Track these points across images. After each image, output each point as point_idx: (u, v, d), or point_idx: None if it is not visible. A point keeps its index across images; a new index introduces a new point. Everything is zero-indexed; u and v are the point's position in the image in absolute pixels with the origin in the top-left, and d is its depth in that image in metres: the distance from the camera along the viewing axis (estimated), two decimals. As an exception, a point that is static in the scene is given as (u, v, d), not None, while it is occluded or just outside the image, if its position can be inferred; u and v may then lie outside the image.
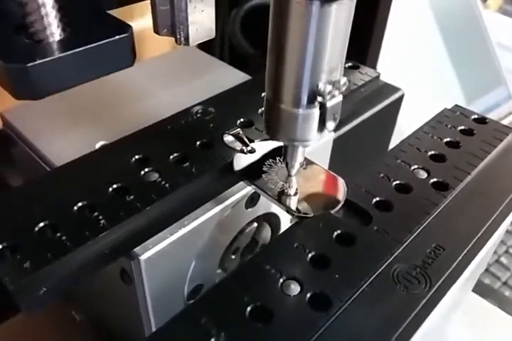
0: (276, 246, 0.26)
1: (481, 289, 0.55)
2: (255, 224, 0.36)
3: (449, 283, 0.25)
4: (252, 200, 0.34)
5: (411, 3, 1.02)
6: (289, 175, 0.29)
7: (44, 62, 0.19)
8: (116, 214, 0.26)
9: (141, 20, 0.47)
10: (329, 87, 0.23)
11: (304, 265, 0.25)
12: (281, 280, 0.24)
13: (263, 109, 0.26)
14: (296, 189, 0.29)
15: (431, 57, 1.07)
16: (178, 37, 0.27)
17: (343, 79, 0.24)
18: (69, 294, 0.44)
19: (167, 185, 0.28)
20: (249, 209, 0.34)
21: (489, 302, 0.53)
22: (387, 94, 0.49)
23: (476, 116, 0.36)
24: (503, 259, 0.72)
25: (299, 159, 0.28)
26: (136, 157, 0.30)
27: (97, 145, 0.34)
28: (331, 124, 0.25)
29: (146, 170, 0.29)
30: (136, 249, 0.28)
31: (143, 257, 0.28)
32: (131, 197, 0.27)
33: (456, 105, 0.38)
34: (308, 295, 0.23)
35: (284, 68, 0.23)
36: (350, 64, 0.42)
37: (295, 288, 0.24)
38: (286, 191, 0.29)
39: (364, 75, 0.41)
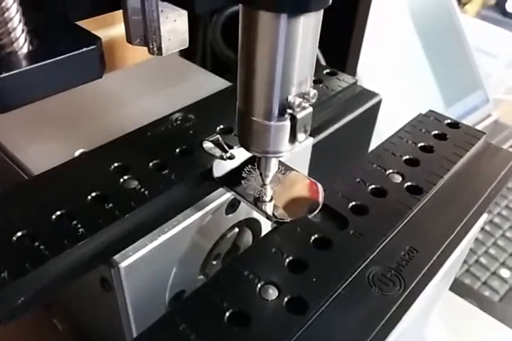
0: (254, 252, 0.26)
1: (460, 289, 0.56)
2: (236, 230, 0.37)
3: (423, 284, 0.26)
4: (232, 206, 0.34)
5: (389, 8, 1.03)
6: (264, 184, 0.29)
7: (11, 74, 0.19)
8: (95, 222, 0.26)
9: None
10: (299, 100, 0.24)
11: (281, 269, 0.25)
12: (259, 285, 0.24)
13: (236, 119, 0.26)
14: (272, 196, 0.30)
15: (409, 62, 1.09)
16: (151, 47, 0.27)
17: (313, 91, 0.24)
18: (50, 302, 0.44)
19: (146, 192, 0.29)
20: (230, 215, 0.35)
21: (469, 302, 0.54)
22: (365, 99, 0.50)
23: (449, 121, 0.37)
24: (483, 259, 0.73)
25: (273, 169, 0.28)
26: (115, 164, 0.30)
27: (77, 154, 0.34)
28: (301, 136, 0.25)
29: (126, 177, 0.30)
30: (116, 257, 0.28)
31: (123, 265, 0.28)
32: (110, 204, 0.28)
33: (431, 110, 0.38)
34: (286, 299, 0.24)
35: (254, 81, 0.24)
36: (328, 70, 0.43)
37: (273, 293, 0.24)
38: (262, 198, 0.30)
39: (341, 81, 0.42)
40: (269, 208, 0.29)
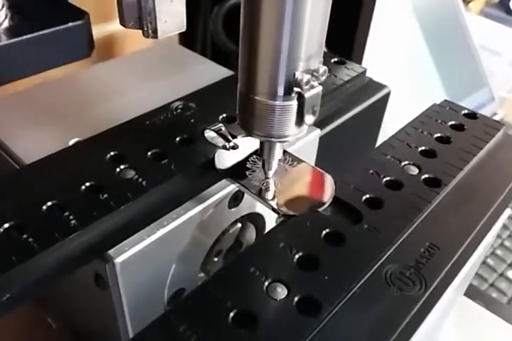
0: (261, 247, 0.24)
1: (468, 291, 0.54)
2: (239, 225, 0.34)
3: (446, 283, 0.24)
4: (236, 199, 0.32)
5: (393, 6, 1.02)
6: (266, 177, 0.27)
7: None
8: (88, 214, 0.24)
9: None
10: (307, 77, 0.22)
11: (290, 266, 0.23)
12: (266, 283, 0.22)
13: (237, 100, 0.24)
14: (277, 188, 0.28)
15: (414, 60, 1.07)
16: (146, 29, 0.25)
17: (323, 68, 0.22)
18: (45, 300, 0.42)
19: (144, 182, 0.27)
20: (233, 209, 0.33)
21: (477, 303, 0.52)
22: (374, 91, 0.48)
23: (466, 111, 0.35)
24: (490, 261, 0.71)
25: (277, 156, 0.26)
26: (112, 153, 0.28)
27: (71, 143, 0.32)
28: (309, 118, 0.23)
29: (122, 167, 0.27)
30: (111, 252, 0.26)
31: (118, 260, 0.26)
32: (105, 195, 0.25)
33: (446, 100, 0.36)
34: (296, 298, 0.22)
35: (257, 55, 0.21)
36: (336, 59, 0.41)
37: (281, 292, 0.22)
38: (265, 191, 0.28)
39: (350, 70, 0.40)
40: (274, 201, 0.27)
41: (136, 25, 0.26)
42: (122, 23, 0.25)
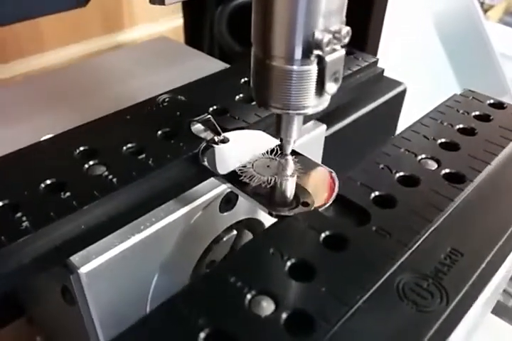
0: (246, 253, 0.20)
1: (494, 307, 0.49)
2: (234, 232, 0.30)
3: (472, 296, 0.19)
4: (229, 202, 0.28)
5: (412, 16, 0.99)
6: (284, 154, 0.23)
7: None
8: (44, 215, 0.21)
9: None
10: (328, 36, 0.18)
11: (280, 276, 0.19)
12: (249, 296, 0.18)
13: (251, 71, 0.21)
14: (294, 170, 0.24)
15: (434, 70, 1.04)
16: None
17: (345, 29, 0.19)
18: (32, 319, 0.39)
19: (115, 179, 0.23)
20: (226, 213, 0.29)
21: (504, 320, 0.47)
22: (389, 87, 0.44)
23: (492, 101, 0.31)
24: None
25: (295, 133, 0.22)
26: (81, 148, 0.25)
27: (44, 138, 0.28)
28: (331, 86, 0.20)
29: (91, 163, 0.24)
30: (76, 261, 0.22)
31: (83, 270, 0.22)
32: (68, 193, 0.22)
33: (469, 90, 0.32)
34: (285, 315, 0.17)
35: (272, 10, 0.18)
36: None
37: (268, 306, 0.18)
38: (267, 182, 0.24)
39: (360, 61, 0.36)
40: (290, 187, 0.23)
41: None
42: None
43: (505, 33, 1.29)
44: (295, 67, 0.19)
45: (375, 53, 0.62)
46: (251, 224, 0.31)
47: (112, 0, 0.69)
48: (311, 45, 0.19)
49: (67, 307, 0.25)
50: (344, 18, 0.20)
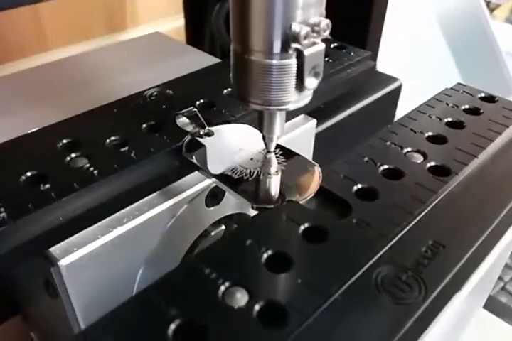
0: (223, 245, 0.20)
1: (496, 308, 0.49)
2: (222, 227, 0.30)
3: (452, 289, 0.19)
4: (215, 197, 0.28)
5: (417, 15, 0.99)
6: (268, 151, 0.23)
7: None
8: (22, 206, 0.21)
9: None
10: (306, 29, 0.18)
11: (256, 267, 0.19)
12: (222, 288, 0.18)
13: (231, 67, 0.21)
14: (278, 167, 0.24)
15: (440, 68, 1.03)
16: None
17: (325, 21, 0.18)
18: (27, 316, 0.39)
19: (96, 171, 0.23)
20: (212, 208, 0.29)
21: (506, 322, 0.47)
22: (384, 83, 0.44)
23: (483, 95, 0.30)
24: (504, 262, 0.65)
25: (278, 129, 0.22)
26: (64, 141, 0.25)
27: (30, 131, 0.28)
28: (311, 81, 0.20)
29: (73, 155, 0.24)
30: (56, 253, 0.22)
31: (63, 262, 0.22)
32: (47, 185, 0.22)
33: (459, 83, 0.32)
34: (258, 306, 0.17)
35: (249, 4, 0.18)
36: (335, 44, 0.37)
37: (241, 297, 0.18)
38: (249, 175, 0.24)
39: (352, 55, 0.35)
40: (274, 187, 0.23)
41: None
42: None
43: (511, 32, 1.28)
44: (274, 61, 0.19)
45: (375, 51, 0.62)
46: (240, 219, 0.31)
47: (114, 0, 0.69)
48: (288, 38, 0.18)
49: (50, 300, 0.25)
50: (324, 11, 0.19)
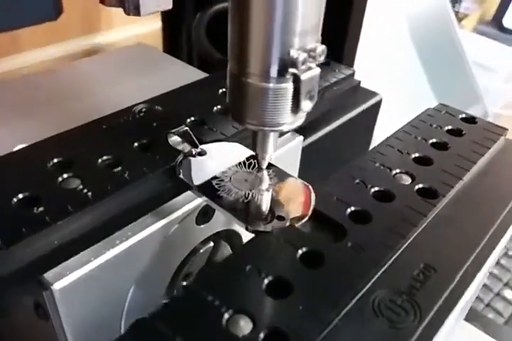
0: (222, 270, 0.20)
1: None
2: (211, 244, 0.30)
3: (445, 312, 0.19)
4: (205, 215, 0.28)
5: (388, 23, 1.01)
6: (260, 168, 0.24)
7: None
8: (16, 231, 0.20)
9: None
10: (303, 55, 0.19)
11: (258, 294, 0.19)
12: (226, 315, 0.18)
13: (227, 86, 0.21)
14: (269, 185, 0.24)
15: (407, 76, 1.06)
16: (127, 5, 0.23)
17: (321, 47, 0.19)
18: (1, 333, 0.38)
19: (90, 193, 0.23)
20: (203, 226, 0.29)
21: (473, 325, 0.48)
22: (365, 98, 0.45)
23: (464, 115, 0.32)
24: (485, 280, 0.67)
25: (271, 149, 0.23)
26: (55, 160, 0.24)
27: (16, 149, 0.28)
28: (306, 104, 0.20)
29: (65, 176, 0.23)
30: (49, 277, 0.22)
31: (56, 286, 0.22)
32: (41, 208, 0.21)
33: (441, 104, 0.33)
34: (263, 334, 0.17)
35: (247, 30, 0.19)
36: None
37: (245, 326, 0.18)
38: (245, 197, 0.24)
39: (337, 73, 0.36)
40: (265, 202, 0.23)
41: (117, 3, 0.23)
42: (102, 1, 0.23)
43: (478, 42, 1.32)
44: (271, 85, 0.20)
45: (351, 64, 0.63)
46: (228, 235, 0.31)
47: (89, 2, 0.68)
48: (286, 64, 0.19)
49: (40, 323, 0.25)
50: (320, 37, 0.20)
